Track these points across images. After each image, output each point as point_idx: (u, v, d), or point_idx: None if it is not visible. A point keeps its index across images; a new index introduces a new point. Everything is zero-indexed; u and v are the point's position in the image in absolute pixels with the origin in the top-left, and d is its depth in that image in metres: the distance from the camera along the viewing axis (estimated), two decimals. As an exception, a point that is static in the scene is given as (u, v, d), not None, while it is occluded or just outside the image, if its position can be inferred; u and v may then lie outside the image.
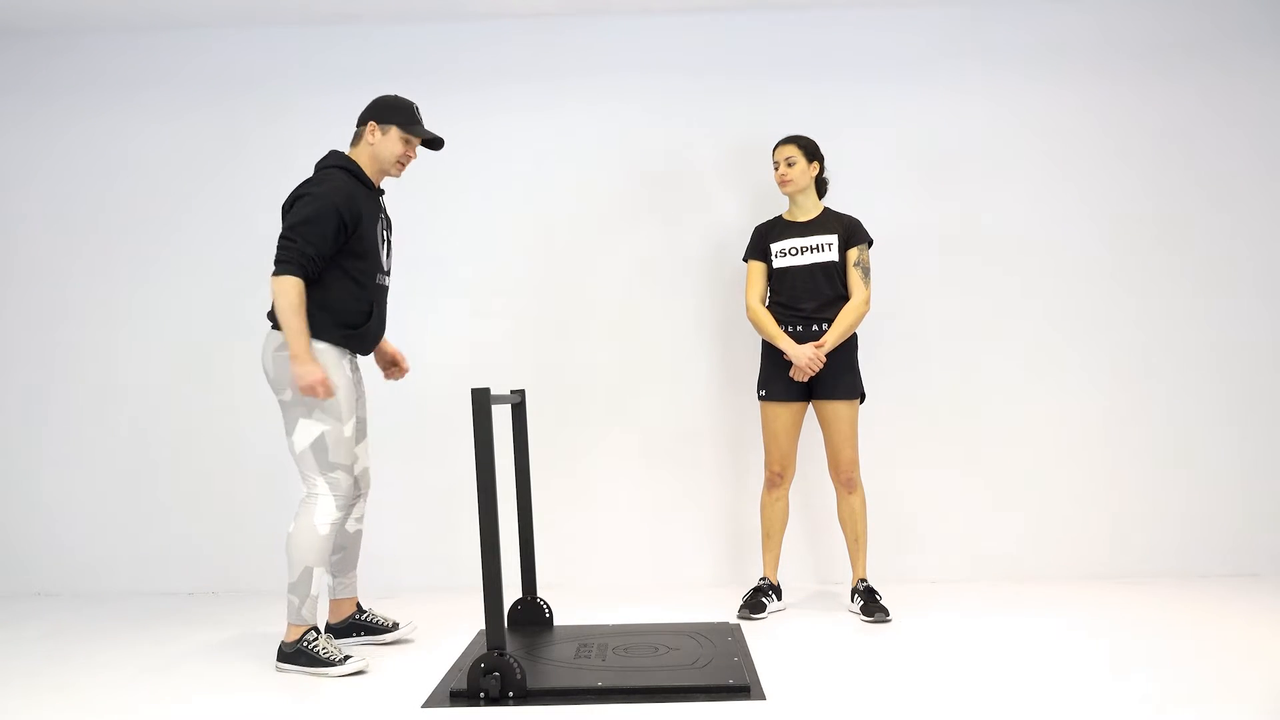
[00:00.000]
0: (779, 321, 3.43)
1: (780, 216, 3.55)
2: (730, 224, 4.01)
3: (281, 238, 2.83)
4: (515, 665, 2.62)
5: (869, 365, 3.98)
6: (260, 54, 4.11)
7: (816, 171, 3.48)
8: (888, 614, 3.30)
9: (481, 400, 2.63)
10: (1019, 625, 3.24)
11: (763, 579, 3.50)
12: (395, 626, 3.20)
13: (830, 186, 3.68)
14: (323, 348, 2.89)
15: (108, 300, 4.14)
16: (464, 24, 4.07)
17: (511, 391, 3.19)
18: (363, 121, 2.98)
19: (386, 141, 2.97)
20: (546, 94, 4.06)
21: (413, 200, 4.08)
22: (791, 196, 3.48)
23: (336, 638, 3.15)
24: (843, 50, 4.03)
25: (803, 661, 2.89)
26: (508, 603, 3.39)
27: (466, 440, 3.92)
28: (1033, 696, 2.53)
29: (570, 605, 3.61)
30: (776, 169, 3.45)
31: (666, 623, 3.32)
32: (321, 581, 2.91)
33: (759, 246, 3.51)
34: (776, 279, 3.46)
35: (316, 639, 2.90)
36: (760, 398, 3.49)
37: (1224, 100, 3.97)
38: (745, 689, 2.62)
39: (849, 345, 3.45)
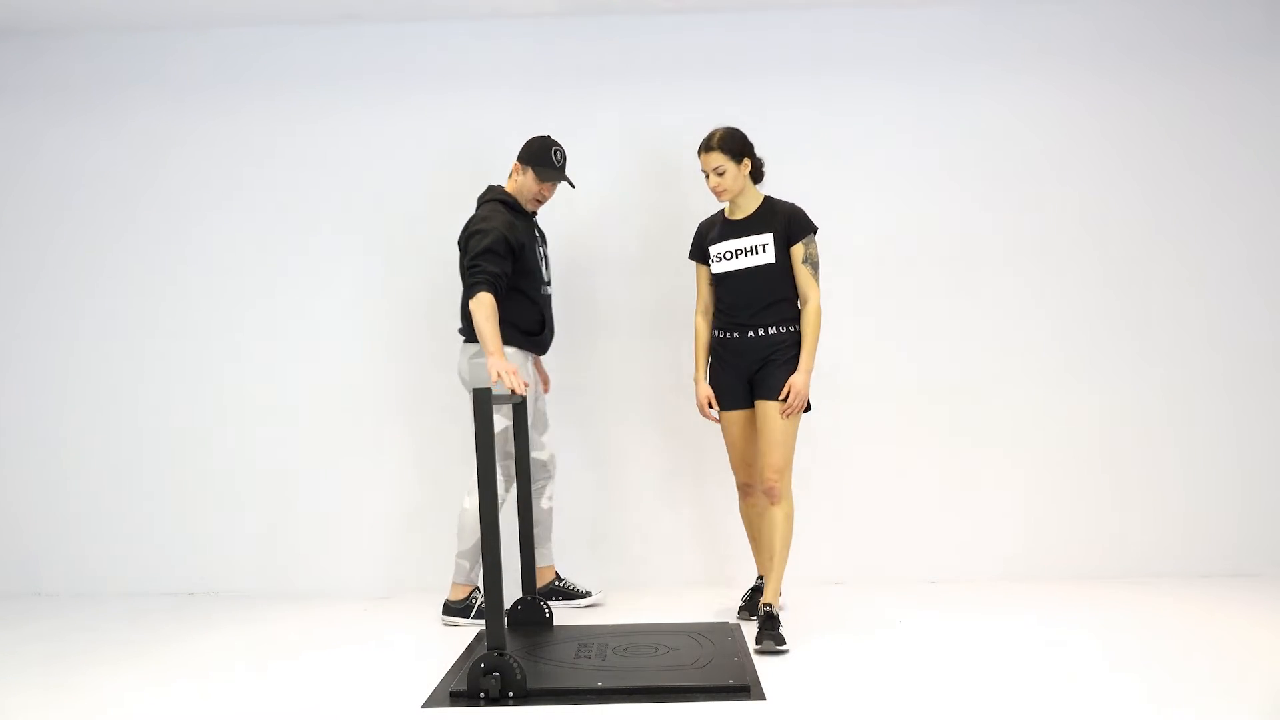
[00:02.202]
0: (719, 326, 3.32)
1: (721, 212, 3.38)
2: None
3: (469, 266, 3.32)
4: (515, 665, 2.62)
5: (869, 364, 3.99)
6: (260, 54, 4.10)
7: (749, 168, 3.25)
8: (783, 644, 2.97)
9: (482, 400, 2.63)
10: (1018, 625, 3.24)
11: (760, 577, 3.48)
12: (589, 594, 3.64)
13: (830, 183, 3.67)
14: (510, 352, 3.38)
15: (107, 301, 4.13)
16: (464, 24, 4.07)
17: (512, 391, 3.19)
18: (518, 159, 3.50)
19: (526, 180, 3.48)
20: (547, 94, 4.06)
21: (413, 200, 4.07)
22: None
23: (450, 614, 3.47)
24: (842, 50, 4.02)
25: (803, 661, 2.89)
26: (508, 603, 3.39)
27: (467, 440, 3.92)
28: (1032, 696, 2.53)
29: (570, 605, 3.61)
30: (707, 179, 3.22)
31: (666, 623, 3.32)
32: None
33: (699, 248, 3.39)
34: (716, 283, 3.32)
35: (478, 594, 3.44)
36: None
37: (1224, 100, 3.96)
38: (745, 689, 2.62)
39: (787, 343, 3.23)
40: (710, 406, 3.34)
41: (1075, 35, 3.99)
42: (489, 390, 2.64)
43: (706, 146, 3.21)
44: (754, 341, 3.24)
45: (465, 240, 3.40)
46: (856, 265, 3.99)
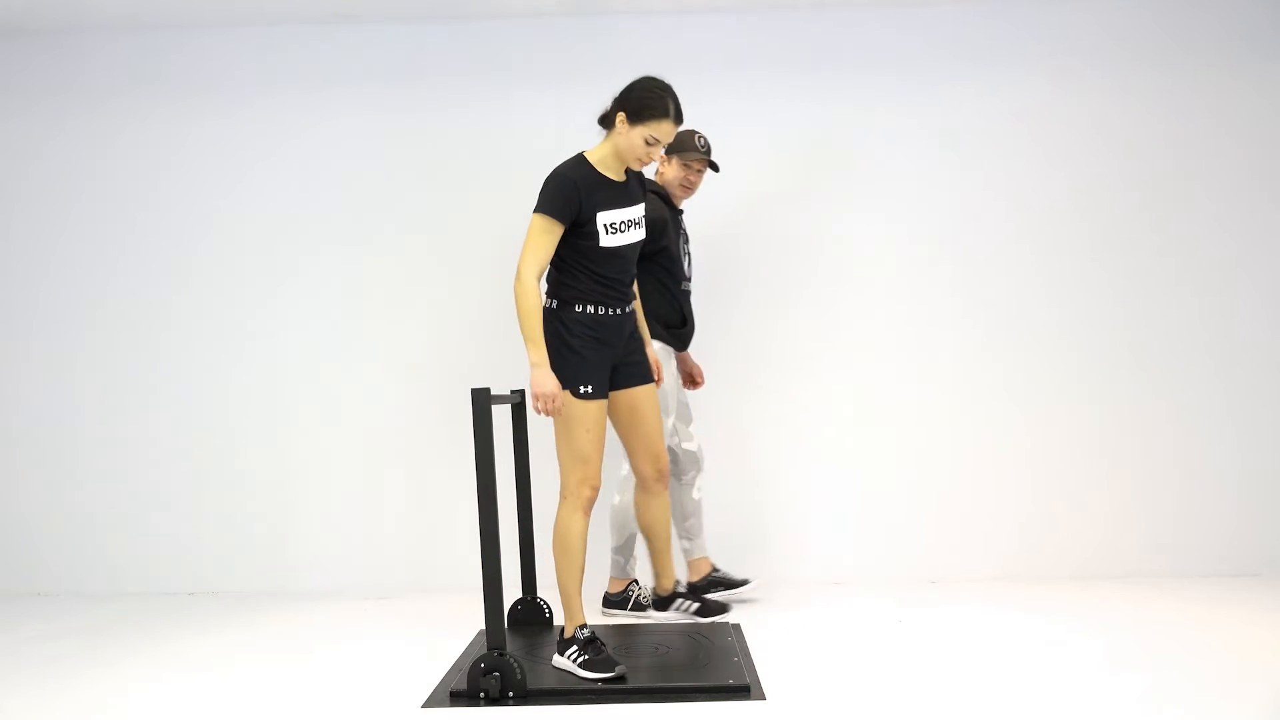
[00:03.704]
0: (599, 301, 2.82)
1: (595, 169, 2.82)
2: (730, 222, 4.00)
3: None
4: (515, 665, 2.62)
5: (868, 365, 3.99)
6: (261, 54, 4.10)
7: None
8: (727, 608, 3.36)
9: (481, 400, 2.63)
10: (1018, 625, 3.24)
11: (664, 587, 3.36)
12: (746, 582, 3.62)
13: (829, 184, 3.66)
14: (658, 347, 3.38)
15: (108, 301, 4.13)
16: (464, 24, 4.07)
17: (511, 391, 3.19)
18: (665, 151, 3.34)
19: (672, 169, 3.49)
20: (546, 93, 4.06)
21: (414, 201, 4.07)
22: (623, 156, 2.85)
23: (699, 592, 3.50)
24: (842, 50, 4.02)
25: (803, 661, 2.89)
26: (508, 603, 3.39)
27: (466, 440, 3.92)
28: (1032, 696, 2.53)
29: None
30: (650, 148, 2.79)
31: (666, 623, 3.31)
32: (636, 543, 3.49)
33: (572, 206, 2.74)
34: (600, 257, 2.81)
35: (639, 589, 3.46)
36: (584, 396, 2.81)
37: (1223, 100, 3.96)
38: (745, 689, 2.62)
39: (634, 318, 3.02)
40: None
41: (1073, 35, 3.99)
42: (488, 390, 2.64)
43: (679, 116, 2.82)
44: (625, 319, 2.92)
45: None
46: (855, 265, 3.99)
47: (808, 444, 3.98)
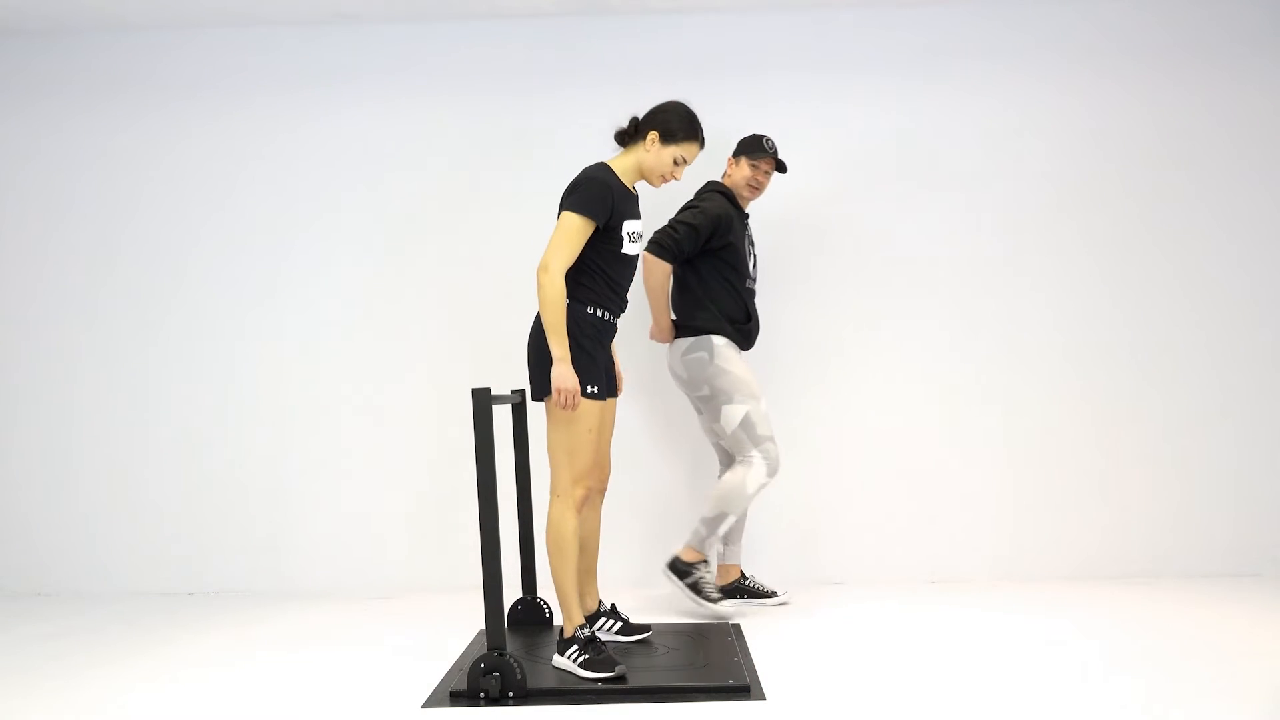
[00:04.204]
0: (608, 308, 2.87)
1: (619, 178, 2.86)
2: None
3: (665, 226, 3.36)
4: (515, 665, 2.62)
5: (868, 365, 3.99)
6: (260, 54, 4.11)
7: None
8: (641, 632, 3.13)
9: (481, 400, 2.63)
10: (1017, 625, 3.24)
11: (603, 607, 3.15)
12: (774, 594, 3.59)
13: (827, 186, 3.67)
14: (721, 343, 3.39)
15: (108, 302, 4.14)
16: (464, 24, 4.07)
17: (512, 391, 3.19)
18: (732, 154, 3.53)
19: (740, 169, 3.50)
20: (546, 93, 4.06)
21: (414, 200, 4.07)
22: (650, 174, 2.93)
23: (673, 572, 3.43)
24: (841, 50, 4.02)
25: (803, 661, 2.89)
26: (508, 603, 3.39)
27: (467, 440, 3.92)
28: (1031, 696, 2.53)
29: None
30: (677, 167, 2.91)
31: (666, 623, 3.32)
32: (727, 527, 3.40)
33: (607, 210, 2.77)
34: (618, 263, 2.86)
35: (706, 570, 3.39)
36: (590, 395, 2.82)
37: (1222, 101, 3.96)
38: (745, 689, 2.62)
39: None
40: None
41: (1072, 36, 3.99)
42: (488, 390, 2.64)
43: (704, 141, 2.97)
44: (616, 327, 2.98)
45: (682, 210, 3.45)
46: (855, 266, 3.99)
47: (807, 444, 3.98)
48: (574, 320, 2.81)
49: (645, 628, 3.15)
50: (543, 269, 2.72)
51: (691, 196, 3.56)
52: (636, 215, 2.93)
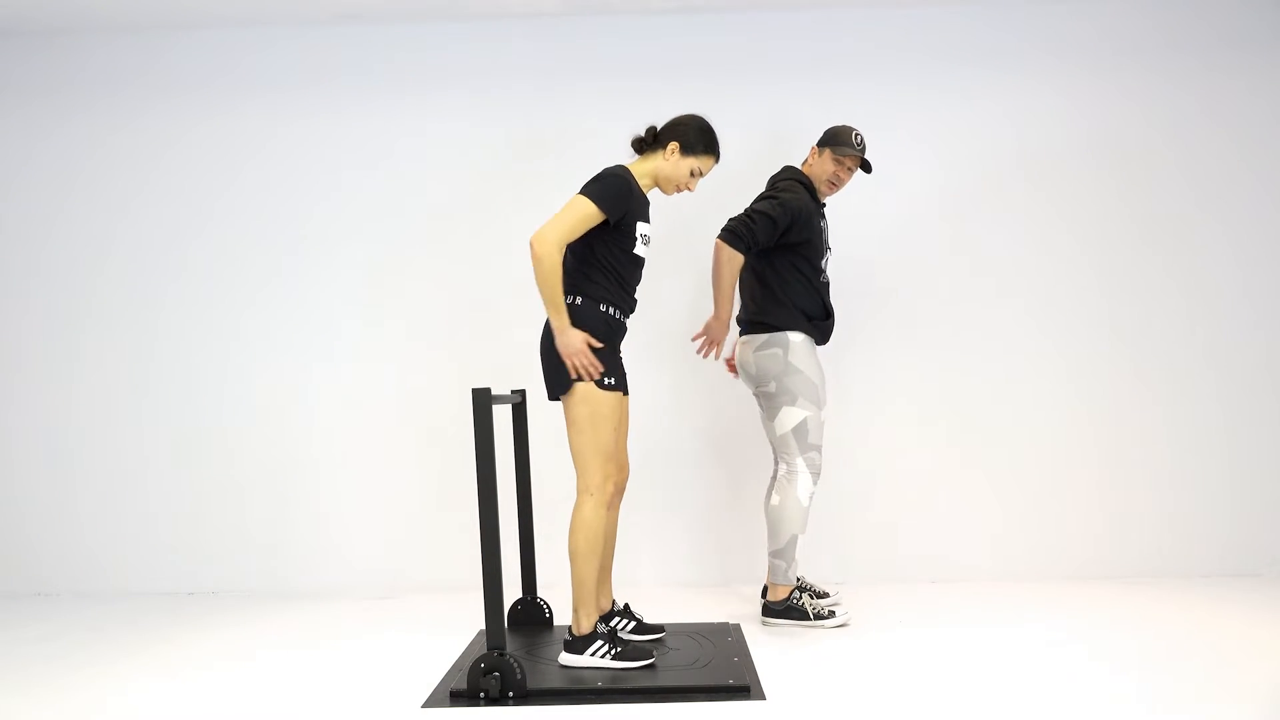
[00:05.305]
0: (621, 308, 2.87)
1: (638, 181, 2.89)
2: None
3: (744, 214, 3.23)
4: (515, 665, 2.62)
5: (868, 366, 3.99)
6: (259, 54, 4.11)
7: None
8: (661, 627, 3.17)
9: (481, 400, 2.63)
10: (1018, 625, 3.24)
11: (623, 605, 3.19)
12: (826, 594, 3.50)
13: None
14: (799, 339, 3.29)
15: (108, 301, 4.14)
16: (464, 24, 4.07)
17: (512, 391, 3.19)
18: (817, 143, 3.39)
19: (823, 162, 3.37)
20: (546, 94, 4.06)
21: (414, 199, 4.07)
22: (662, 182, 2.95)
23: (773, 616, 3.35)
24: (842, 51, 4.02)
25: (803, 661, 2.89)
26: (508, 603, 3.39)
27: (467, 439, 3.92)
28: (1031, 696, 2.54)
29: (570, 605, 3.59)
30: (694, 178, 2.93)
31: (667, 623, 3.31)
32: (798, 546, 3.33)
33: (623, 207, 2.78)
34: (631, 264, 2.87)
35: (802, 597, 3.31)
36: (608, 387, 2.80)
37: (1220, 101, 3.96)
38: (745, 689, 2.62)
39: None
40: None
41: (1071, 36, 3.99)
42: (489, 390, 2.64)
43: (719, 155, 2.99)
44: (626, 327, 2.98)
45: (759, 199, 3.31)
46: (855, 268, 3.99)
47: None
48: (586, 316, 2.81)
49: (659, 628, 3.16)
50: (539, 238, 2.69)
51: (766, 184, 3.41)
52: (649, 219, 2.94)
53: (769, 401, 3.34)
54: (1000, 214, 3.99)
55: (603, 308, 2.83)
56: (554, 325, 2.74)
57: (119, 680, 2.90)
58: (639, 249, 2.88)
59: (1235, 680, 2.61)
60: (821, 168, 3.36)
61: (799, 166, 3.43)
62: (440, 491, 4.03)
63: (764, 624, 3.31)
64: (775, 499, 3.31)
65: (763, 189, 3.54)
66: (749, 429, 3.98)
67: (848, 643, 3.08)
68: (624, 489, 3.08)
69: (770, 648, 3.04)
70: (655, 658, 2.84)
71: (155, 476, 4.11)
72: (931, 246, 3.99)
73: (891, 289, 3.99)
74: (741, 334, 3.40)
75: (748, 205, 3.32)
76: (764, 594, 3.39)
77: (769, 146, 3.98)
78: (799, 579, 3.46)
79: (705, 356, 3.33)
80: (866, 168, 3.41)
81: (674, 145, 2.89)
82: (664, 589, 3.88)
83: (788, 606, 3.29)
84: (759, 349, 3.31)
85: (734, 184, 3.91)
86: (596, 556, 2.81)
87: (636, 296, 2.97)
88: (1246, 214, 3.96)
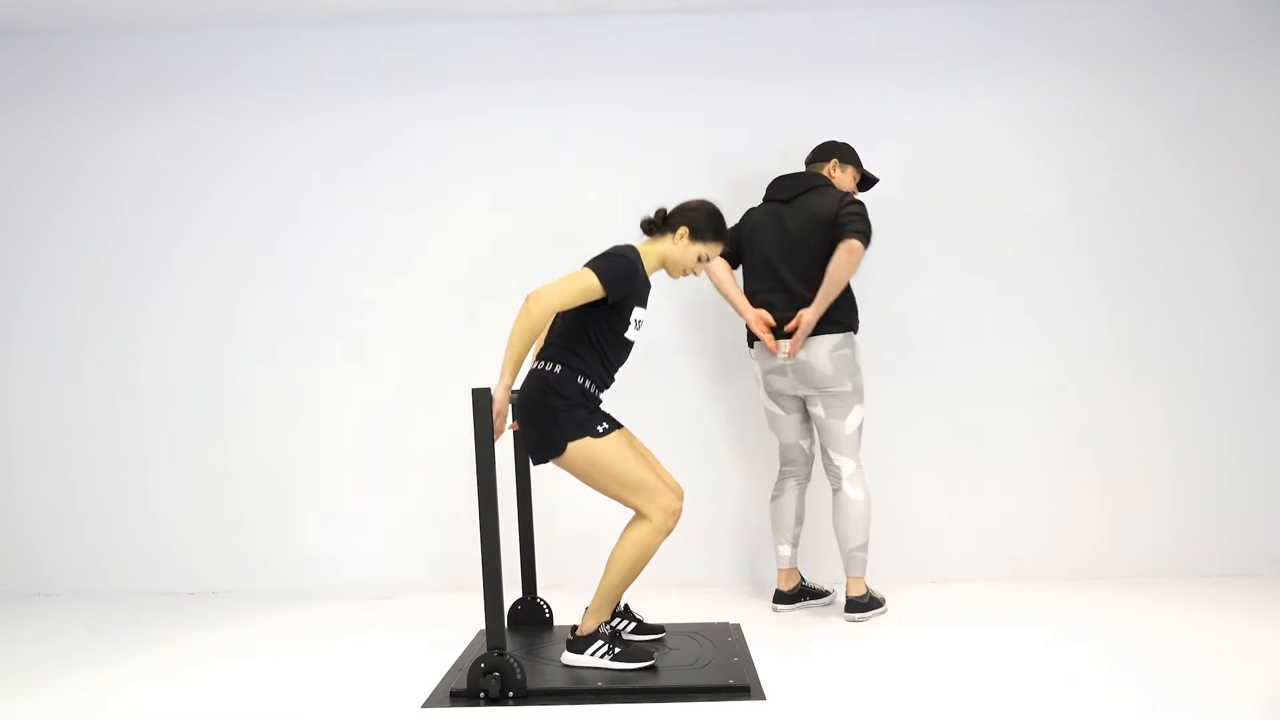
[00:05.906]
0: (594, 378, 2.87)
1: (643, 265, 2.87)
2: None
3: (849, 218, 3.25)
4: (515, 665, 2.62)
5: (869, 366, 3.99)
6: (259, 54, 4.11)
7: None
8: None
9: (481, 400, 2.63)
10: (1017, 626, 3.24)
11: (623, 613, 3.19)
12: (829, 592, 3.60)
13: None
14: (839, 339, 3.34)
15: (105, 301, 4.14)
16: (464, 24, 4.07)
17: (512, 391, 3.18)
18: (839, 159, 3.49)
19: (844, 179, 3.48)
20: (546, 94, 4.06)
21: (413, 199, 4.07)
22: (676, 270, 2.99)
23: (786, 602, 3.51)
24: (842, 50, 4.02)
25: (803, 661, 2.90)
26: (508, 603, 3.39)
27: (467, 439, 3.92)
28: (1031, 696, 2.54)
29: (570, 605, 3.60)
30: (699, 263, 2.95)
31: (667, 623, 3.32)
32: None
33: (625, 292, 2.79)
34: (618, 346, 2.88)
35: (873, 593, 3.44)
36: (603, 433, 2.82)
37: (1221, 101, 3.96)
38: (745, 689, 2.62)
39: None
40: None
41: (1070, 36, 3.99)
42: (488, 390, 2.64)
43: (726, 241, 3.01)
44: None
45: (840, 208, 3.30)
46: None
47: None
48: (562, 386, 2.79)
49: (659, 628, 3.17)
50: (535, 297, 2.68)
51: (838, 203, 3.33)
52: (647, 304, 2.94)
53: (839, 401, 3.35)
54: (1000, 214, 3.99)
55: (580, 380, 2.82)
56: (500, 378, 2.70)
57: (119, 680, 2.90)
58: (630, 333, 2.87)
59: (1235, 680, 2.62)
60: (848, 182, 3.50)
61: (823, 174, 3.46)
62: (440, 492, 4.03)
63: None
64: (858, 494, 3.34)
65: (763, 189, 3.55)
66: (749, 429, 3.98)
67: (847, 643, 3.08)
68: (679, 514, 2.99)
69: (770, 648, 3.04)
70: (655, 658, 2.85)
71: (155, 476, 4.11)
72: (931, 246, 3.99)
73: (891, 289, 3.99)
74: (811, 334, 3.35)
75: (837, 211, 3.27)
76: (806, 592, 3.53)
77: (769, 146, 3.99)
78: (800, 578, 3.55)
79: (791, 357, 3.34)
80: (868, 182, 3.55)
81: (684, 230, 2.89)
82: (664, 589, 3.88)
83: (871, 599, 3.39)
84: (834, 349, 3.32)
85: (734, 184, 3.91)
86: (635, 575, 2.85)
87: (616, 376, 2.97)
88: (1247, 214, 3.96)
